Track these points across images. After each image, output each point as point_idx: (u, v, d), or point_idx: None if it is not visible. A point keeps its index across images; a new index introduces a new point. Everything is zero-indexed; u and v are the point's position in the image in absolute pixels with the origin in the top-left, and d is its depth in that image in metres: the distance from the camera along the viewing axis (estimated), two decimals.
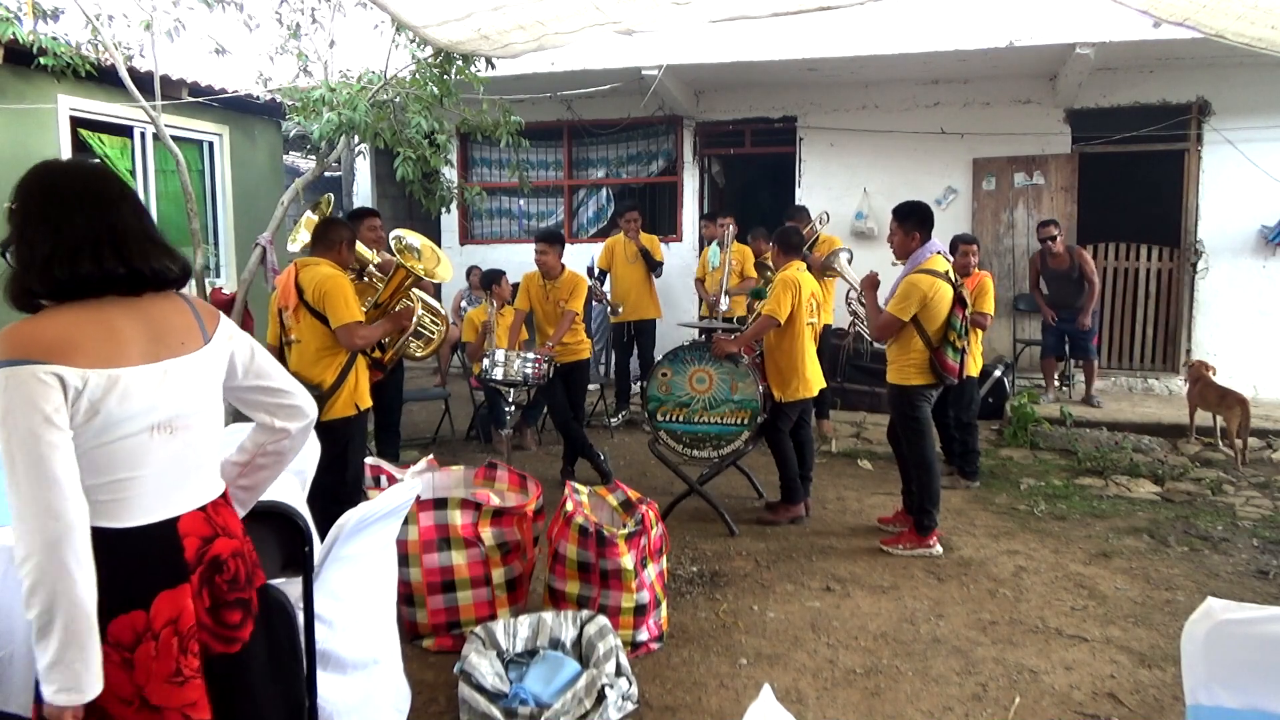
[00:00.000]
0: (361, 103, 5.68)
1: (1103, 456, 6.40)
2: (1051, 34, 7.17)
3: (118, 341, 1.59)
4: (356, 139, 6.27)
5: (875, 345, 7.35)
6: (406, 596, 3.42)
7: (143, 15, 5.82)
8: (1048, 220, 7.64)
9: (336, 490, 3.65)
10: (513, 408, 5.73)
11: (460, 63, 5.85)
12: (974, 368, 5.71)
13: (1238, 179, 8.04)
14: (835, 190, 9.07)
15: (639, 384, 7.69)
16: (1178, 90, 8.19)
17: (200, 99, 7.22)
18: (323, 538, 2.40)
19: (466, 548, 3.48)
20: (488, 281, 6.80)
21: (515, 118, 6.51)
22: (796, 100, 9.21)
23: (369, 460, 4.19)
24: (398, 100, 6.09)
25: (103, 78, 6.12)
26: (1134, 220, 9.02)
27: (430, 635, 3.49)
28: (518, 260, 8.35)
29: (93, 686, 1.49)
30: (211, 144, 8.04)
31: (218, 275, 8.00)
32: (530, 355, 5.32)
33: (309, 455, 3.07)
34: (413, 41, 5.87)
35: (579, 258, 8.05)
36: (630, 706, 2.99)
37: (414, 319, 4.39)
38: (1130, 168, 9.30)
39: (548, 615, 3.22)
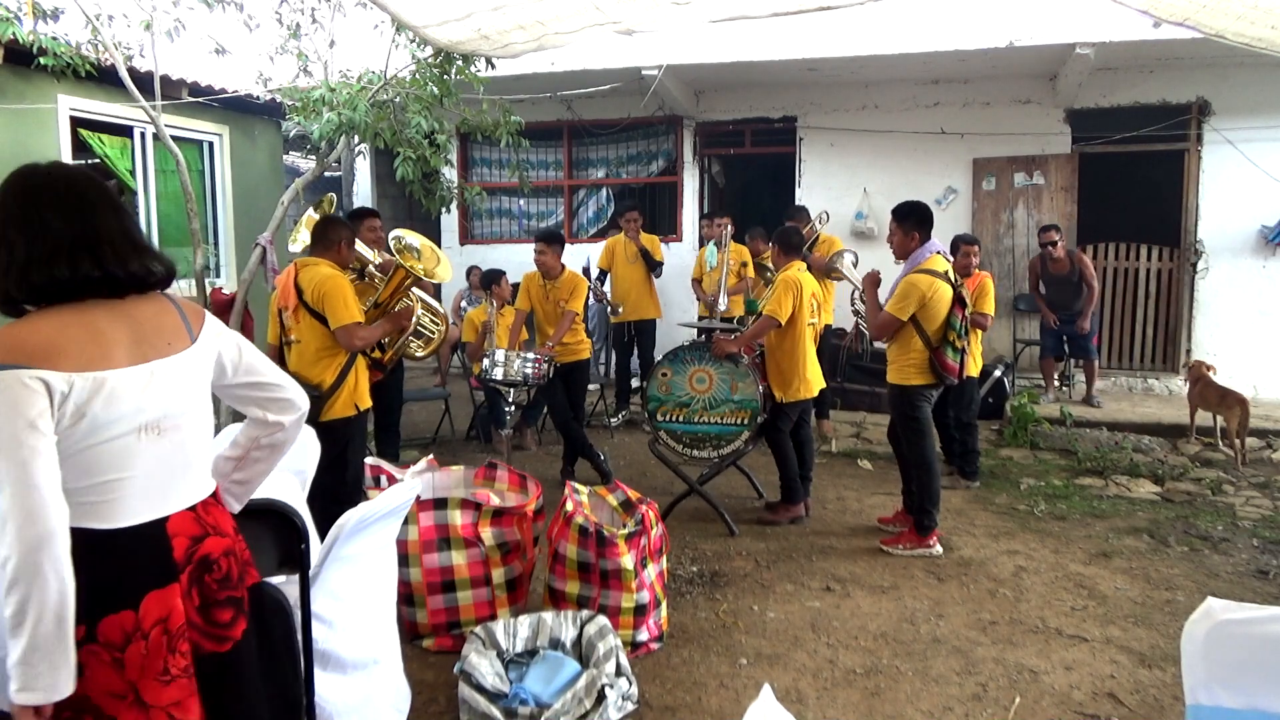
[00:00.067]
0: (361, 103, 5.68)
1: (1103, 456, 6.40)
2: (1051, 34, 7.16)
3: (103, 344, 1.59)
4: (356, 139, 6.27)
5: (875, 345, 7.36)
6: (406, 596, 3.42)
7: (143, 15, 5.82)
8: (1049, 225, 7.64)
9: (336, 490, 3.65)
10: (513, 408, 5.73)
11: (460, 63, 5.85)
12: (974, 368, 5.71)
13: (1238, 179, 8.04)
14: (835, 190, 9.07)
15: (638, 379, 7.71)
16: (1178, 90, 8.19)
17: (200, 99, 7.22)
18: (323, 538, 2.41)
19: (466, 548, 3.48)
20: (487, 281, 6.80)
21: (515, 118, 6.51)
22: (796, 100, 9.21)
23: (369, 460, 4.19)
24: (398, 100, 6.09)
25: (103, 78, 6.12)
26: (1134, 220, 9.03)
27: (430, 635, 3.49)
28: (518, 260, 8.35)
29: (56, 690, 1.49)
30: (211, 144, 8.04)
31: (218, 275, 7.99)
32: (530, 355, 5.33)
33: (309, 455, 3.07)
34: (413, 41, 5.87)
35: (575, 258, 8.04)
36: (630, 706, 2.99)
37: (414, 319, 4.39)
38: (1130, 168, 9.30)
39: (548, 615, 3.22)
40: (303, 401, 1.97)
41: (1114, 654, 3.51)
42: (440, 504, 3.52)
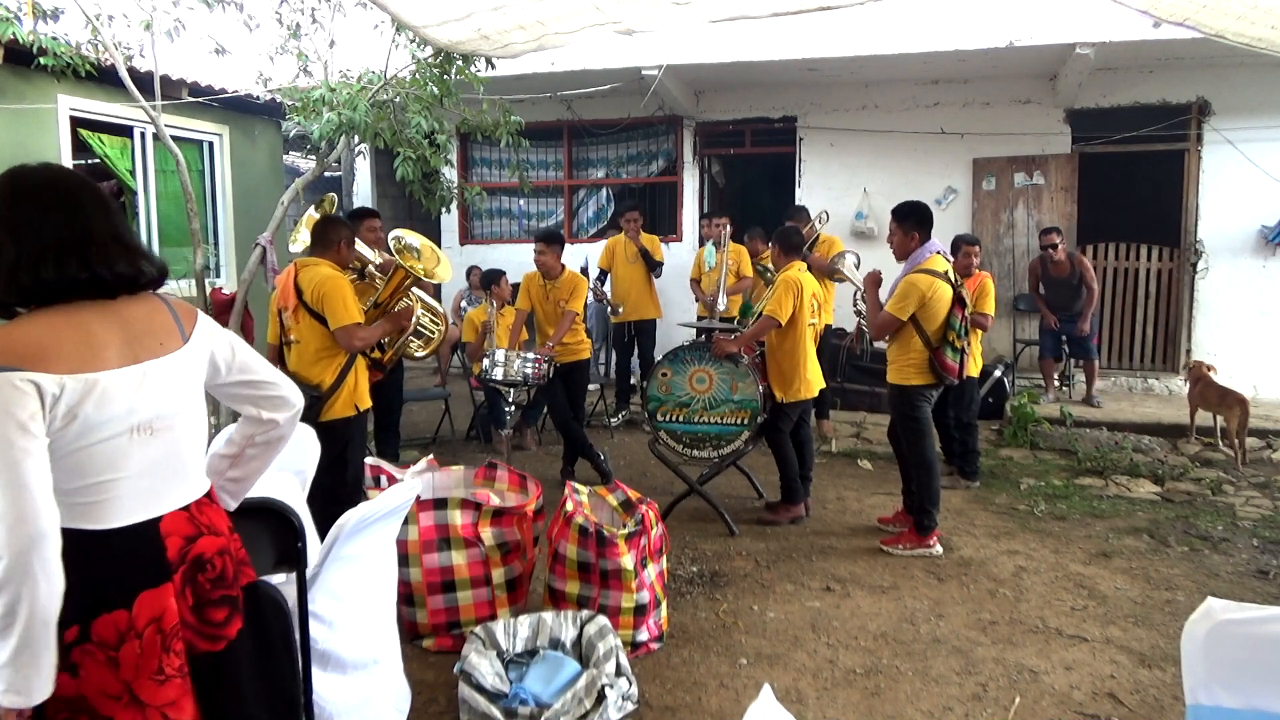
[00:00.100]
0: (361, 103, 5.68)
1: (1103, 456, 6.40)
2: (1051, 34, 7.17)
3: (94, 345, 1.59)
4: (356, 139, 6.27)
5: (876, 345, 7.36)
6: (406, 596, 3.42)
7: (143, 15, 5.82)
8: (1050, 228, 7.64)
9: (336, 490, 3.65)
10: (513, 408, 5.73)
11: (460, 63, 5.85)
12: (974, 368, 5.71)
13: (1238, 179, 8.05)
14: (835, 190, 9.07)
15: (636, 376, 7.71)
16: (1178, 90, 8.19)
17: (200, 99, 7.22)
18: (323, 538, 2.40)
19: (466, 548, 3.48)
20: (487, 281, 6.80)
21: (515, 118, 6.51)
22: (796, 100, 9.21)
23: (369, 460, 4.19)
24: (398, 100, 6.09)
25: (103, 78, 6.12)
26: (1134, 220, 9.03)
27: (430, 635, 3.49)
28: (518, 260, 8.35)
29: (38, 692, 1.49)
30: (211, 144, 8.04)
31: (218, 275, 7.99)
32: (530, 355, 5.33)
33: (309, 455, 3.07)
34: (413, 41, 5.87)
35: (574, 258, 8.04)
36: (630, 706, 2.99)
37: (413, 319, 4.39)
38: (1130, 168, 9.31)
39: (548, 615, 3.22)
40: (297, 399, 1.97)
41: (1114, 654, 3.51)
42: (440, 504, 3.52)
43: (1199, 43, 6.33)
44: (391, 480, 4.05)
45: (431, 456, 4.14)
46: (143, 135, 7.24)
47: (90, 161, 7.55)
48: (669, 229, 9.75)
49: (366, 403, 4.05)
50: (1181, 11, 3.25)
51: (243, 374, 1.87)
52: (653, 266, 7.57)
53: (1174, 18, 3.33)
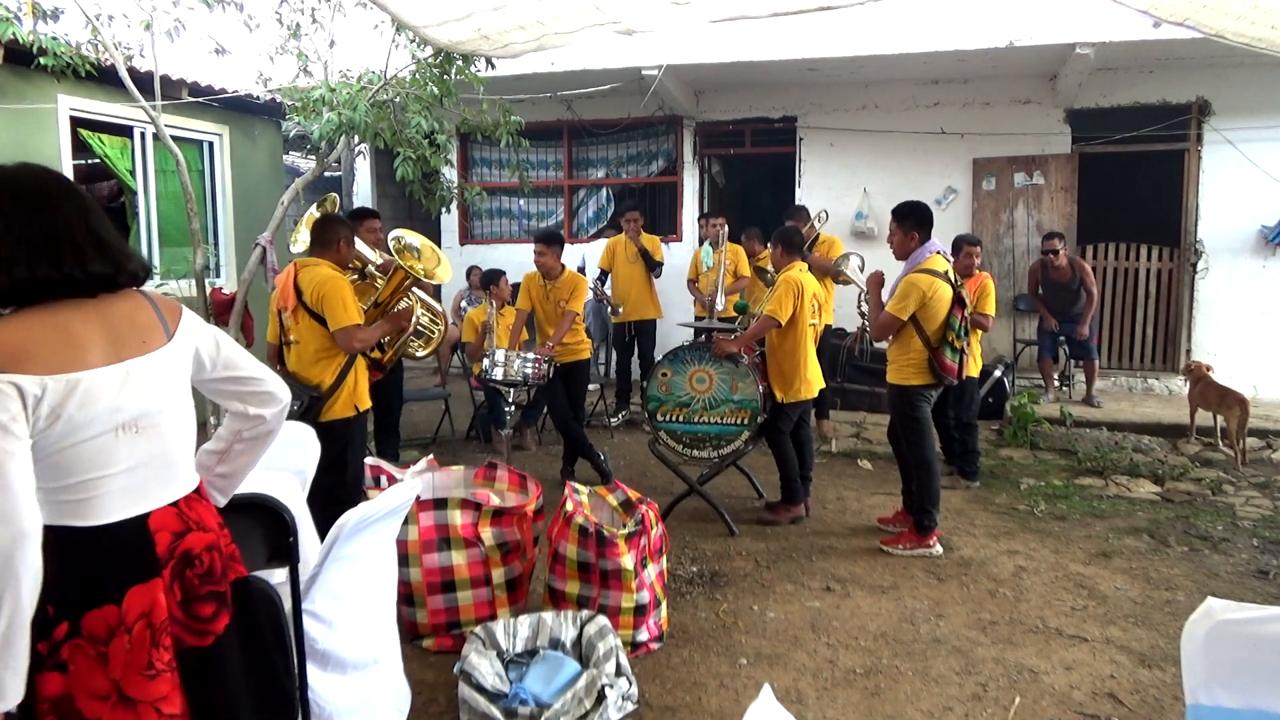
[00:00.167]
0: (361, 103, 5.68)
1: (1103, 456, 6.40)
2: (1051, 34, 7.16)
3: (75, 345, 1.59)
4: (356, 139, 6.27)
5: (876, 345, 7.36)
6: (406, 596, 3.42)
7: (143, 15, 5.82)
8: (1052, 234, 7.63)
9: (336, 490, 3.65)
10: (513, 408, 5.73)
11: (460, 63, 5.85)
12: (974, 368, 5.71)
13: (1238, 179, 8.04)
14: (835, 190, 9.07)
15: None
16: (1178, 90, 8.19)
17: (200, 99, 7.21)
18: (322, 538, 2.40)
19: (466, 548, 3.48)
20: (487, 282, 6.80)
21: (515, 118, 6.51)
22: (796, 100, 9.21)
23: (369, 460, 4.19)
24: (398, 100, 6.09)
25: (103, 78, 6.12)
26: (1134, 220, 9.03)
27: (430, 635, 3.49)
28: (518, 260, 8.35)
29: (13, 693, 1.49)
30: (211, 144, 8.04)
31: (218, 275, 7.99)
32: (530, 355, 5.33)
33: (309, 455, 3.07)
34: (413, 41, 5.87)
35: (571, 258, 8.04)
36: (630, 706, 2.99)
37: (413, 320, 4.39)
38: (1130, 168, 9.30)
39: (548, 615, 3.22)
40: (284, 394, 1.97)
41: (1114, 654, 3.51)
42: (440, 504, 3.52)
43: (1199, 43, 6.33)
44: (391, 480, 4.05)
45: (431, 456, 4.14)
46: (143, 135, 7.24)
47: (90, 161, 7.55)
48: (669, 229, 9.75)
49: (366, 403, 4.05)
50: (1181, 11, 3.25)
51: (228, 370, 1.87)
52: (653, 267, 7.57)
53: (1174, 18, 3.33)
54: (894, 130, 8.87)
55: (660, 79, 8.04)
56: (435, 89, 5.91)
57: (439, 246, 5.11)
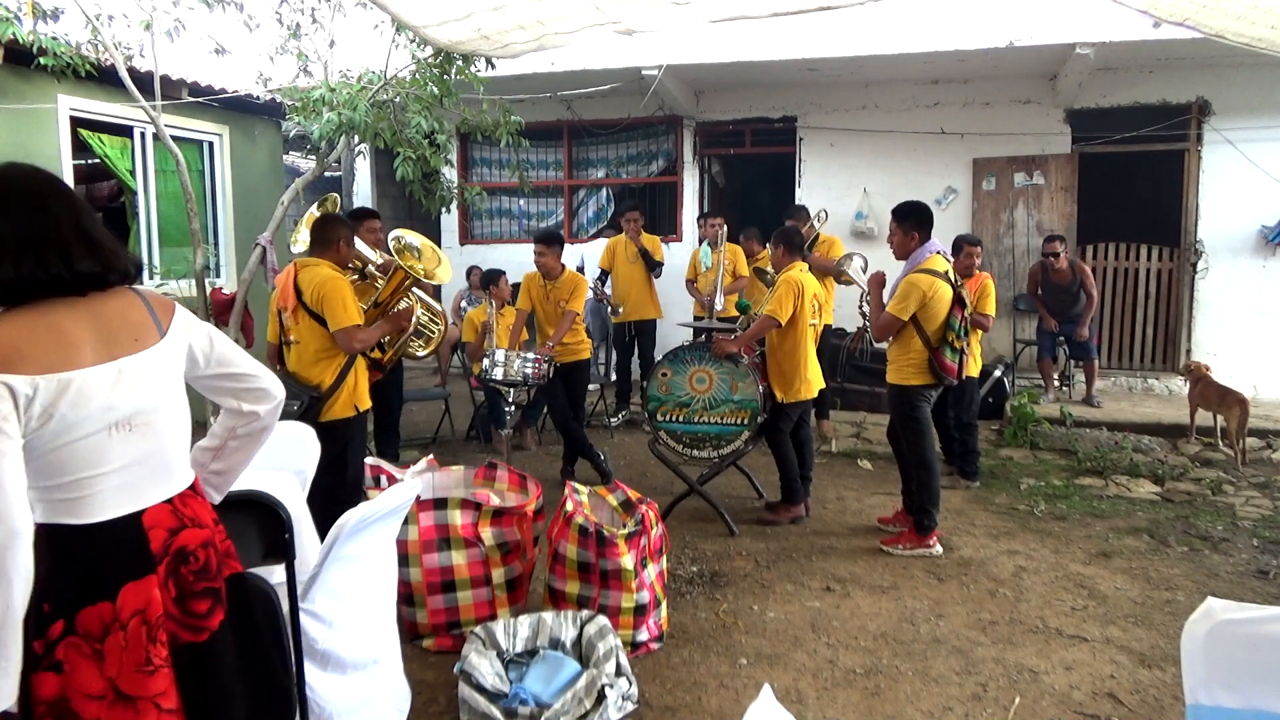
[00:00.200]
0: (361, 103, 5.68)
1: (1103, 456, 6.40)
2: (1051, 34, 7.17)
3: (66, 344, 1.59)
4: (356, 139, 6.27)
5: (876, 345, 7.36)
6: (406, 596, 3.42)
7: (143, 15, 5.82)
8: (1053, 236, 7.63)
9: (336, 490, 3.65)
10: (513, 408, 5.73)
11: (460, 63, 5.85)
12: (974, 368, 5.71)
13: (1238, 179, 8.05)
14: (835, 190, 9.07)
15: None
16: (1178, 90, 8.19)
17: (200, 99, 7.21)
18: (322, 538, 2.40)
19: (466, 548, 3.48)
20: (486, 282, 6.80)
21: (515, 118, 6.51)
22: (796, 100, 9.21)
23: (369, 460, 4.18)
24: (398, 100, 6.09)
25: (103, 78, 6.12)
26: (1134, 220, 9.03)
27: (430, 635, 3.49)
28: (518, 260, 8.35)
29: (6, 696, 1.49)
30: (211, 144, 8.04)
31: (218, 275, 7.99)
32: (530, 355, 5.33)
33: (309, 455, 3.07)
34: (413, 41, 5.87)
35: (570, 258, 8.04)
36: (630, 706, 2.99)
37: (413, 320, 4.39)
38: (1130, 168, 9.31)
39: (548, 615, 3.22)
40: (278, 390, 1.97)
41: (1114, 654, 3.51)
42: (440, 504, 3.52)
43: (1199, 43, 6.33)
44: (391, 480, 4.05)
45: (431, 456, 4.14)
46: (143, 135, 7.24)
47: (90, 161, 7.55)
48: (669, 229, 9.75)
49: (366, 403, 4.05)
50: (1181, 11, 3.25)
51: (221, 366, 1.87)
52: (653, 267, 7.57)
53: (1174, 18, 3.33)
54: (894, 130, 8.87)
55: (660, 79, 8.05)
56: (435, 89, 5.91)
57: (439, 246, 5.11)
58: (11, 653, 1.48)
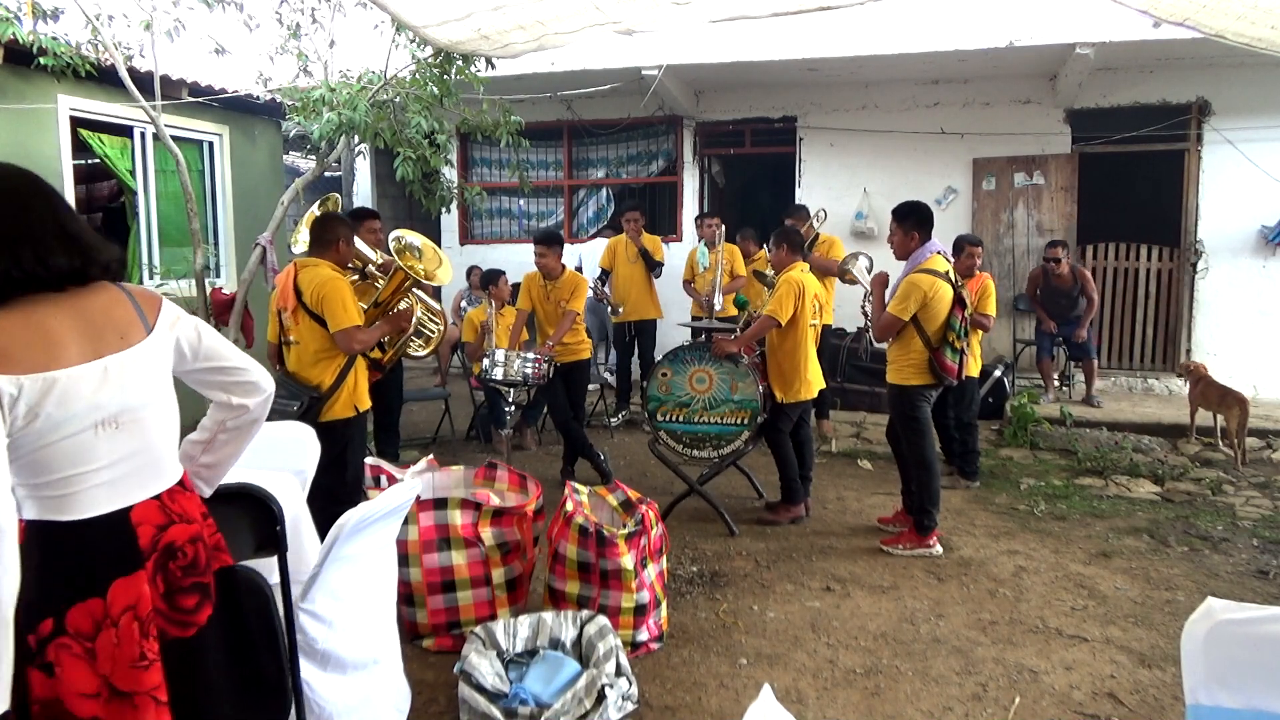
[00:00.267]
0: (361, 103, 5.68)
1: (1103, 456, 6.40)
2: (1051, 34, 7.17)
3: (51, 343, 1.59)
4: (356, 139, 6.27)
5: (876, 345, 7.36)
6: (406, 596, 3.42)
7: (143, 15, 5.82)
8: (1055, 242, 7.63)
9: (336, 490, 3.65)
10: (513, 408, 5.73)
11: (460, 63, 5.85)
12: (974, 368, 5.71)
13: (1238, 179, 8.05)
14: (835, 190, 9.07)
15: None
16: (1178, 90, 8.19)
17: (200, 99, 7.21)
18: (323, 538, 2.40)
19: (466, 548, 3.48)
20: (486, 282, 6.80)
21: (515, 118, 6.51)
22: (796, 100, 9.21)
23: (369, 460, 4.18)
24: (398, 100, 6.09)
25: (103, 78, 6.11)
26: (1134, 220, 9.03)
27: (430, 635, 3.49)
28: (518, 260, 8.35)
29: (2, 699, 1.47)
30: (211, 144, 8.03)
31: (218, 275, 7.99)
32: (530, 355, 5.33)
33: (309, 455, 3.07)
34: (413, 41, 5.87)
35: (568, 258, 8.04)
36: (630, 706, 2.99)
37: (413, 320, 4.39)
38: (1130, 168, 9.31)
39: (548, 615, 3.22)
40: (267, 384, 1.97)
41: (1114, 654, 3.51)
42: (440, 504, 3.52)
43: (1199, 43, 6.33)
44: (391, 480, 4.05)
45: (431, 456, 4.14)
46: (143, 135, 7.24)
47: (90, 161, 7.54)
48: (669, 229, 9.75)
49: (366, 403, 4.05)
50: (1181, 11, 3.25)
51: (210, 360, 1.87)
52: (653, 267, 7.57)
53: (1174, 18, 3.33)
54: (894, 130, 8.87)
55: (660, 79, 8.04)
56: (435, 89, 5.91)
57: (439, 246, 5.11)
58: (3, 652, 1.48)
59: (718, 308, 5.53)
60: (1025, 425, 6.96)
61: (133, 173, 7.23)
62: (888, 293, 4.80)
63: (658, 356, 5.92)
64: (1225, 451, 6.62)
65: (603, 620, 3.21)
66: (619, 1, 3.48)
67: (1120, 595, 4.09)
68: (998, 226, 8.76)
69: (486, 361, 5.34)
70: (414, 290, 4.52)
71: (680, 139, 9.71)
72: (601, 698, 2.84)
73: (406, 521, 3.34)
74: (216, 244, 8.10)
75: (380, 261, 4.80)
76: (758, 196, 10.99)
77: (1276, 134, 7.90)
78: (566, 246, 6.79)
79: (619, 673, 2.99)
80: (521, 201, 10.29)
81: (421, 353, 4.81)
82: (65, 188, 6.41)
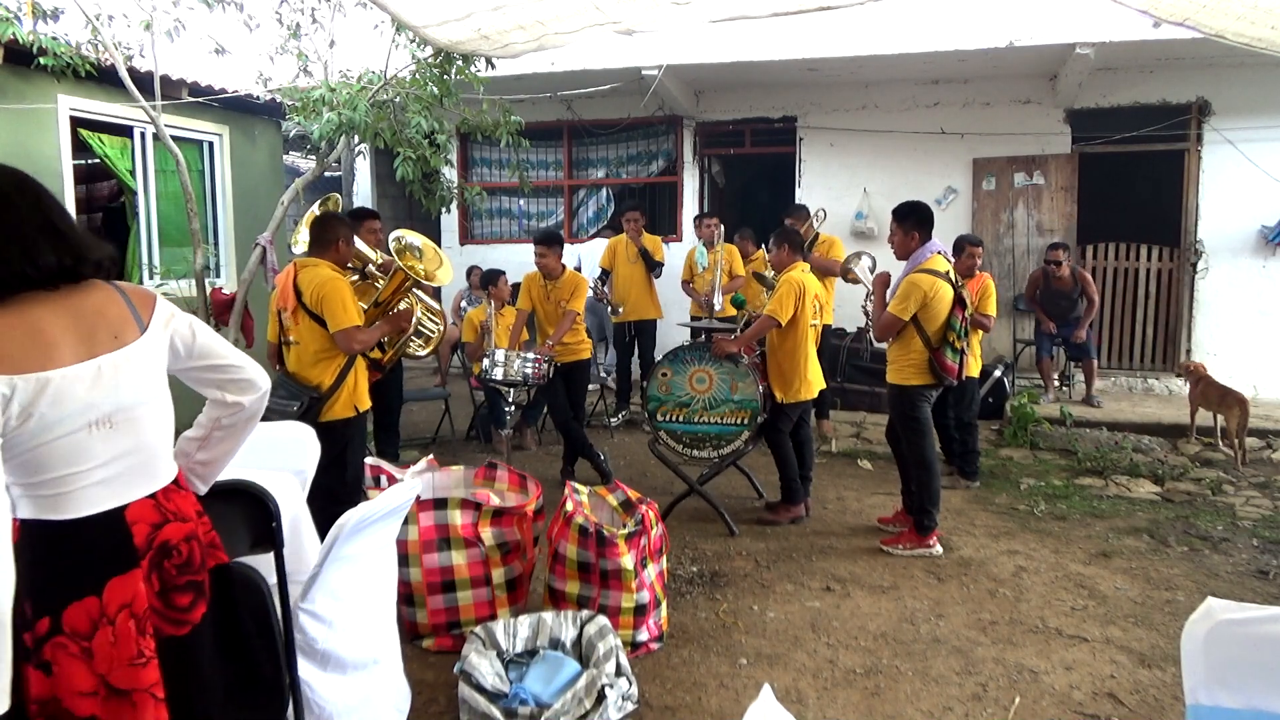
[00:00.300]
0: (361, 103, 5.68)
1: (1103, 456, 6.40)
2: (1051, 34, 7.17)
3: (44, 343, 1.59)
4: (356, 139, 6.27)
5: (876, 345, 7.36)
6: (406, 596, 3.42)
7: (143, 15, 5.82)
8: (1056, 244, 7.63)
9: (336, 490, 3.65)
10: (513, 408, 5.73)
11: (460, 63, 5.85)
12: (974, 368, 5.71)
13: (1238, 179, 8.05)
14: (835, 190, 9.07)
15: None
16: (1178, 90, 8.19)
17: (200, 99, 7.21)
18: (323, 538, 2.40)
19: (466, 548, 3.48)
20: (486, 282, 6.80)
21: (515, 118, 6.51)
22: (796, 100, 9.21)
23: (369, 460, 4.18)
24: (398, 100, 6.09)
25: (103, 78, 6.11)
26: (1134, 220, 9.03)
27: (430, 635, 3.49)
28: (518, 260, 8.35)
29: (1, 699, 1.47)
30: (211, 144, 8.03)
31: (218, 275, 7.99)
32: (530, 355, 5.33)
33: (309, 455, 3.07)
34: (413, 41, 5.87)
35: (567, 258, 8.04)
36: (630, 706, 2.99)
37: (413, 321, 4.39)
38: (1130, 168, 9.31)
39: (548, 615, 3.22)
40: (263, 381, 1.96)
41: (1114, 654, 3.51)
42: (440, 504, 3.52)
43: (1199, 43, 6.33)
44: (391, 480, 4.05)
45: (431, 456, 4.14)
46: (143, 135, 7.24)
47: (90, 161, 7.54)
48: (669, 229, 9.75)
49: (366, 403, 4.05)
50: (1181, 11, 3.25)
51: (204, 358, 1.87)
52: (653, 267, 7.57)
53: (1174, 18, 3.33)
54: (894, 130, 8.87)
55: (660, 79, 8.04)
56: (435, 89, 5.91)
57: (439, 246, 5.10)
58: (3, 654, 1.47)
59: (717, 308, 5.53)
60: (1025, 425, 6.96)
61: (133, 173, 7.23)
62: (888, 293, 4.80)
63: (658, 356, 5.92)
64: (1225, 451, 6.62)
65: (603, 620, 3.21)
66: (619, 1, 3.48)
67: (1120, 595, 4.09)
68: (998, 226, 8.76)
69: (486, 361, 5.34)
70: (414, 290, 4.52)
71: (680, 139, 9.71)
72: (601, 698, 2.84)
73: (406, 521, 3.34)
74: (216, 244, 8.10)
75: (380, 261, 4.80)
76: (758, 196, 10.99)
77: (1276, 134, 7.90)
78: (566, 246, 6.80)
79: (619, 673, 2.99)
80: (521, 201, 10.29)
81: (421, 353, 4.81)
82: (65, 188, 6.41)
